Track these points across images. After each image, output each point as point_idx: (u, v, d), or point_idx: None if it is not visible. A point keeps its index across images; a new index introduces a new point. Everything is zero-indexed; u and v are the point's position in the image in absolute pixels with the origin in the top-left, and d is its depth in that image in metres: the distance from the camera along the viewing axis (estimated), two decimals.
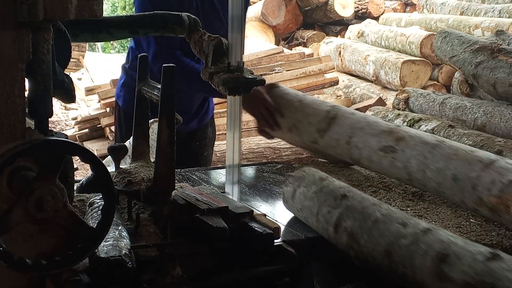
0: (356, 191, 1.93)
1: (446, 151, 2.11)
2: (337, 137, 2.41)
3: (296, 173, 2.11)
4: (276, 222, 1.89)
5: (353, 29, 8.41)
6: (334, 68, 7.30)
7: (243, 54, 2.05)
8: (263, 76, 2.08)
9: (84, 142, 6.67)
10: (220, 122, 5.61)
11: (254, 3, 9.68)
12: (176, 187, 1.81)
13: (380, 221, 1.73)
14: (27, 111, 1.46)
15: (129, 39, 4.38)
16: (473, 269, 1.50)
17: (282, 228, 1.91)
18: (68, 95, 1.65)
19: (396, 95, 5.78)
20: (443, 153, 2.11)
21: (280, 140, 3.02)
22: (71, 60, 1.69)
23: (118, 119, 3.35)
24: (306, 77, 6.92)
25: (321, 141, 2.47)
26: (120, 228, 1.60)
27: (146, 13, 2.09)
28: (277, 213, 2.12)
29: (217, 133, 5.37)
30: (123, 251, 1.49)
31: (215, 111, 5.99)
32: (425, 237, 1.63)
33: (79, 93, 7.28)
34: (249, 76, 2.00)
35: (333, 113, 2.43)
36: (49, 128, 1.51)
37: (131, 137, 2.10)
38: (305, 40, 9.51)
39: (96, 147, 6.39)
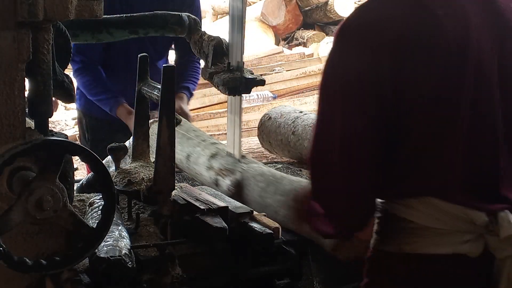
0: None
1: None
2: None
3: None
4: (276, 222, 1.89)
5: None
6: None
7: (243, 54, 2.05)
8: (263, 76, 2.08)
9: None
10: (220, 122, 5.61)
11: (254, 3, 9.68)
12: (176, 187, 1.81)
13: None
14: (27, 111, 1.46)
15: None
16: None
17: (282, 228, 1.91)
18: (68, 95, 1.65)
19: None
20: None
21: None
22: None
23: (79, 122, 3.38)
24: (306, 77, 6.91)
25: None
26: (120, 228, 1.60)
27: (146, 13, 2.09)
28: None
29: (217, 133, 5.38)
30: (123, 251, 1.49)
31: (214, 111, 6.02)
32: None
33: None
34: (249, 76, 2.00)
35: None
36: (49, 128, 1.51)
37: (131, 137, 2.10)
38: (305, 40, 9.50)
39: None
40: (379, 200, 1.45)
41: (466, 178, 1.39)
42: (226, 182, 2.09)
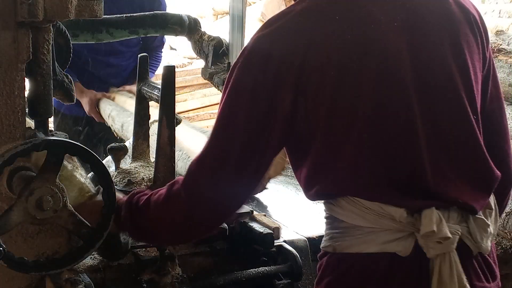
0: None
1: None
2: None
3: None
4: (276, 222, 1.89)
5: None
6: None
7: None
8: None
9: None
10: None
11: (254, 3, 9.68)
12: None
13: None
14: (27, 111, 1.46)
15: None
16: None
17: (282, 228, 1.91)
18: (68, 95, 1.65)
19: None
20: None
21: None
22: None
23: (54, 120, 3.45)
24: None
25: None
26: None
27: (147, 13, 2.09)
28: (277, 213, 2.12)
29: None
30: None
31: (214, 111, 6.01)
32: None
33: None
34: None
35: None
36: (49, 128, 1.51)
37: (131, 137, 2.10)
38: None
39: None
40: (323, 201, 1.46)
41: (386, 177, 1.37)
42: None
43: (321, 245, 1.48)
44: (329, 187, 1.40)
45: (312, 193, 1.43)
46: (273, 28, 1.38)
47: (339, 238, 1.42)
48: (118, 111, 3.08)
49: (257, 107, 1.36)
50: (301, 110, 1.35)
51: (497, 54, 4.15)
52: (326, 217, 1.48)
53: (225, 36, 2.11)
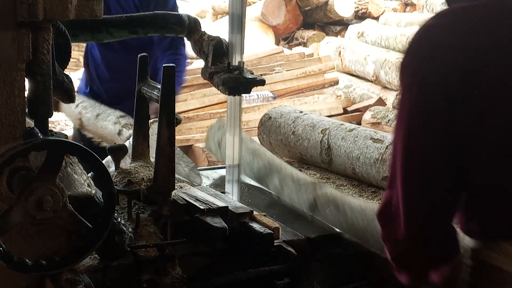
0: None
1: None
2: None
3: None
4: (276, 222, 1.89)
5: (353, 29, 8.41)
6: (334, 68, 7.30)
7: (243, 54, 2.05)
8: (263, 76, 2.08)
9: None
10: None
11: (254, 3, 9.68)
12: (176, 187, 1.81)
13: None
14: (27, 111, 1.46)
15: None
16: None
17: (282, 228, 1.91)
18: (68, 95, 1.65)
19: (396, 95, 5.77)
20: None
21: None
22: (71, 60, 1.69)
23: None
24: (306, 77, 6.91)
25: None
26: None
27: (146, 13, 2.09)
28: (277, 213, 2.12)
29: None
30: None
31: (214, 111, 6.01)
32: None
33: None
34: (249, 76, 2.00)
35: None
36: (49, 128, 1.51)
37: (131, 137, 2.10)
38: (305, 40, 9.50)
39: None
40: (468, 243, 1.28)
41: None
42: (129, 132, 2.48)
43: None
44: (495, 225, 1.23)
45: (472, 228, 1.26)
46: None
47: None
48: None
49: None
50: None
51: None
52: (473, 265, 1.27)
53: (225, 36, 2.11)
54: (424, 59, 1.25)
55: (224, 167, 2.32)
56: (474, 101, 1.22)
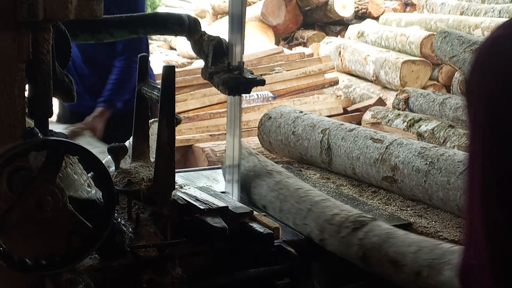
0: None
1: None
2: None
3: None
4: (276, 222, 1.89)
5: (353, 29, 8.41)
6: (334, 68, 7.30)
7: (243, 54, 2.05)
8: (263, 76, 2.08)
9: None
10: (220, 122, 5.61)
11: (254, 3, 9.68)
12: (176, 187, 1.81)
13: None
14: (27, 111, 1.46)
15: None
16: None
17: (282, 228, 1.91)
18: (68, 95, 1.65)
19: (396, 95, 5.78)
20: None
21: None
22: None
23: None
24: (306, 77, 6.91)
25: None
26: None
27: (146, 13, 2.09)
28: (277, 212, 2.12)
29: (217, 133, 5.38)
30: None
31: (214, 111, 6.02)
32: None
33: None
34: (249, 76, 2.00)
35: None
36: (49, 128, 1.51)
37: (131, 137, 2.10)
38: (305, 40, 9.51)
39: None
40: None
41: None
42: None
43: None
44: None
45: None
46: None
47: None
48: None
49: None
50: None
51: None
52: None
53: (225, 36, 2.11)
54: (497, 75, 0.98)
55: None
56: None
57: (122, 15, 2.07)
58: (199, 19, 2.18)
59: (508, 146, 0.93)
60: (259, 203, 2.06)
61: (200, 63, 5.28)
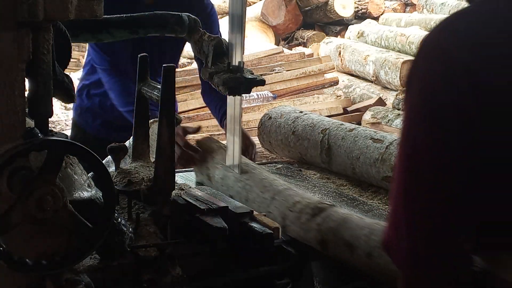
0: None
1: None
2: None
3: None
4: (276, 222, 1.89)
5: (353, 29, 8.42)
6: (334, 68, 7.30)
7: (243, 54, 2.05)
8: (263, 76, 2.08)
9: None
10: None
11: (254, 3, 9.68)
12: (176, 187, 1.81)
13: None
14: (27, 111, 1.46)
15: None
16: None
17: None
18: (68, 95, 1.65)
19: (396, 95, 5.79)
20: None
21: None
22: (71, 60, 1.69)
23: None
24: (306, 77, 6.92)
25: None
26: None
27: (147, 13, 2.09)
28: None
29: (217, 133, 5.38)
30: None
31: None
32: None
33: None
34: (249, 76, 2.00)
35: None
36: (49, 128, 1.50)
37: (131, 137, 2.10)
38: (305, 40, 9.51)
39: None
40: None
41: None
42: None
43: None
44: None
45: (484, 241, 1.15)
46: None
47: None
48: None
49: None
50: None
51: None
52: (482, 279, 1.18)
53: (225, 36, 2.11)
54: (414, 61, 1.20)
55: None
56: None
57: (122, 15, 2.07)
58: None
59: (413, 122, 1.14)
60: (226, 194, 2.08)
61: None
